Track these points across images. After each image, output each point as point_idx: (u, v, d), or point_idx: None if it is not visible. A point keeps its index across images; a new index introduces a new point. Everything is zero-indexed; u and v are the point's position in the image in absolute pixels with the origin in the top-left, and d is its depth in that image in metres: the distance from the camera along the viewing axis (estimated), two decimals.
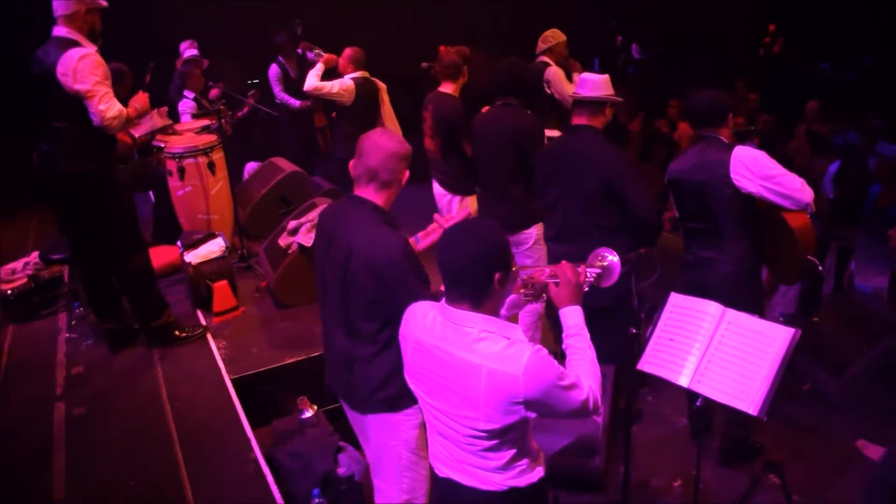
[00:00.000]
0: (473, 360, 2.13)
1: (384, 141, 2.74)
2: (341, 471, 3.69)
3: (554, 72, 5.88)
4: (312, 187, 6.38)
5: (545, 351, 2.16)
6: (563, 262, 2.54)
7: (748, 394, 2.71)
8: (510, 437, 2.21)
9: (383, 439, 2.94)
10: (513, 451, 2.24)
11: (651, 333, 3.08)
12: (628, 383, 3.56)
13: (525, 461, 2.29)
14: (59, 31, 4.07)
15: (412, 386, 2.42)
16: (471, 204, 5.45)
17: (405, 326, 2.41)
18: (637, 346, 3.16)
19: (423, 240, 2.92)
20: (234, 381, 4.27)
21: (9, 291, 5.37)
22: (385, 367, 2.77)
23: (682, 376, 2.88)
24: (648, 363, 3.02)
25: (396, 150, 2.73)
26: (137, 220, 4.50)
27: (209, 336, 4.80)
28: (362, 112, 6.26)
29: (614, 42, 11.89)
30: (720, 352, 2.84)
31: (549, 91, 5.88)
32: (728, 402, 2.75)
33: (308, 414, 4.00)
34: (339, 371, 2.94)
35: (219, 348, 4.63)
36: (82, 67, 3.94)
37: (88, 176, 4.18)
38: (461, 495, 2.33)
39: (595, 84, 3.91)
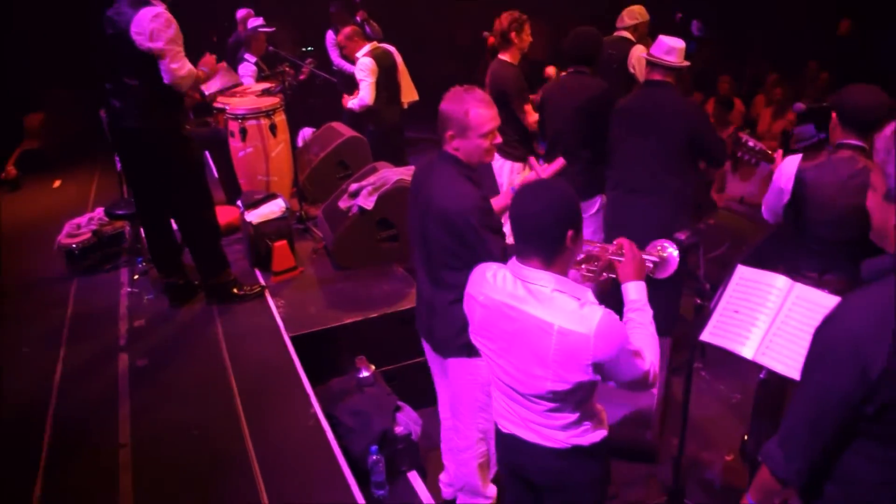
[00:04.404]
0: (545, 318, 2.13)
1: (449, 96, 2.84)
2: (399, 429, 3.73)
3: (640, 55, 5.69)
4: (369, 152, 6.38)
5: (615, 315, 2.15)
6: (624, 239, 2.53)
7: None
8: (576, 398, 2.23)
9: (462, 382, 3.08)
10: (577, 413, 2.27)
11: (716, 305, 3.04)
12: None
13: (589, 423, 2.32)
14: None
15: (478, 344, 2.43)
16: (522, 171, 5.43)
17: (472, 285, 2.42)
18: (701, 317, 3.11)
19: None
20: (292, 339, 4.30)
21: (74, 245, 5.49)
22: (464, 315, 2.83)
23: (746, 348, 2.80)
24: (712, 334, 2.96)
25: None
26: (206, 176, 4.54)
27: (267, 294, 4.85)
28: (385, 83, 6.35)
29: (672, 19, 11.58)
30: (787, 325, 2.75)
31: (631, 70, 5.77)
32: (793, 376, 2.69)
33: (366, 373, 4.04)
34: (424, 315, 3.12)
35: (277, 307, 4.67)
36: (156, 26, 4.00)
37: (157, 131, 4.24)
38: (524, 450, 2.37)
39: (670, 49, 3.96)
